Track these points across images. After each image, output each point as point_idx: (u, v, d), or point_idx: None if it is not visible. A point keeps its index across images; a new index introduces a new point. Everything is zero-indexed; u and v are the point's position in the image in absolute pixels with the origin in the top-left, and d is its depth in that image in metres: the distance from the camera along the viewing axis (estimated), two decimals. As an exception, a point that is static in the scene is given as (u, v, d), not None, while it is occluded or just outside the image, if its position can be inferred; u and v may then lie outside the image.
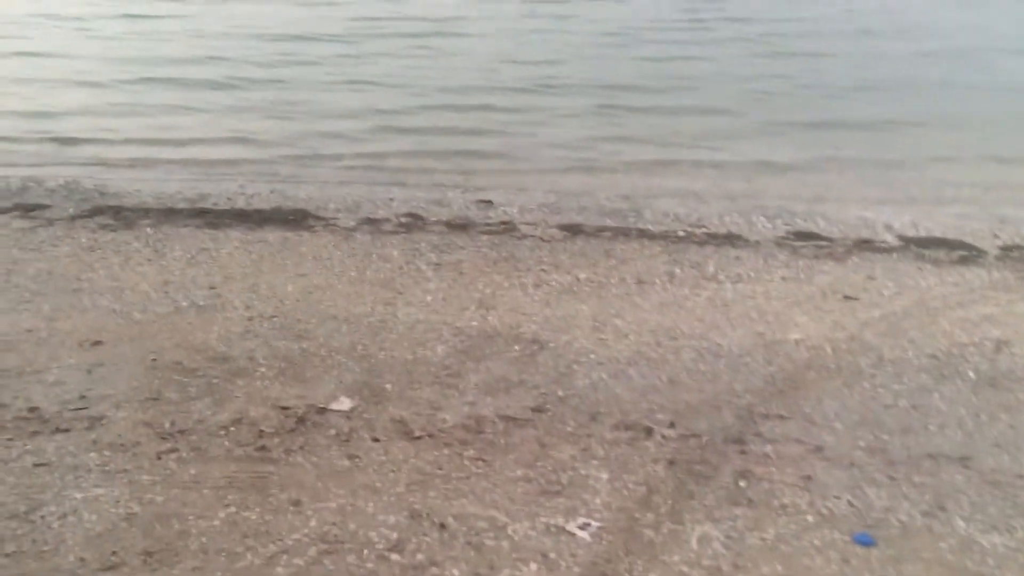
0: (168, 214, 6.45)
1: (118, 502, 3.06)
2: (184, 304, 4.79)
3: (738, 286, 5.13)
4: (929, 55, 12.40)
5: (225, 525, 2.95)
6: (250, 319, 4.59)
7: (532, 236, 6.02)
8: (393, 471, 3.26)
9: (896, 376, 4.02)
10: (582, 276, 5.27)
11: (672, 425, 3.58)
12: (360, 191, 7.15)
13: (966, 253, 5.71)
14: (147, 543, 2.86)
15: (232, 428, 3.53)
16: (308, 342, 4.32)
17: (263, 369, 4.04)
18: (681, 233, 6.10)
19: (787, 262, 5.54)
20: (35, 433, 3.49)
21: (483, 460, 3.33)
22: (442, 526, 2.95)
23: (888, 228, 6.19)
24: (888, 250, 5.77)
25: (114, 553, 2.81)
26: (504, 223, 6.30)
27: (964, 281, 5.21)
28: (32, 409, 3.66)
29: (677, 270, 5.37)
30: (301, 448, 3.40)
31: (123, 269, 5.33)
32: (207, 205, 6.71)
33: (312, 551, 2.83)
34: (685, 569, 2.77)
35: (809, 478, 3.24)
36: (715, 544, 2.88)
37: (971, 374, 4.05)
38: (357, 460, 3.33)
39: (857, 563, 2.81)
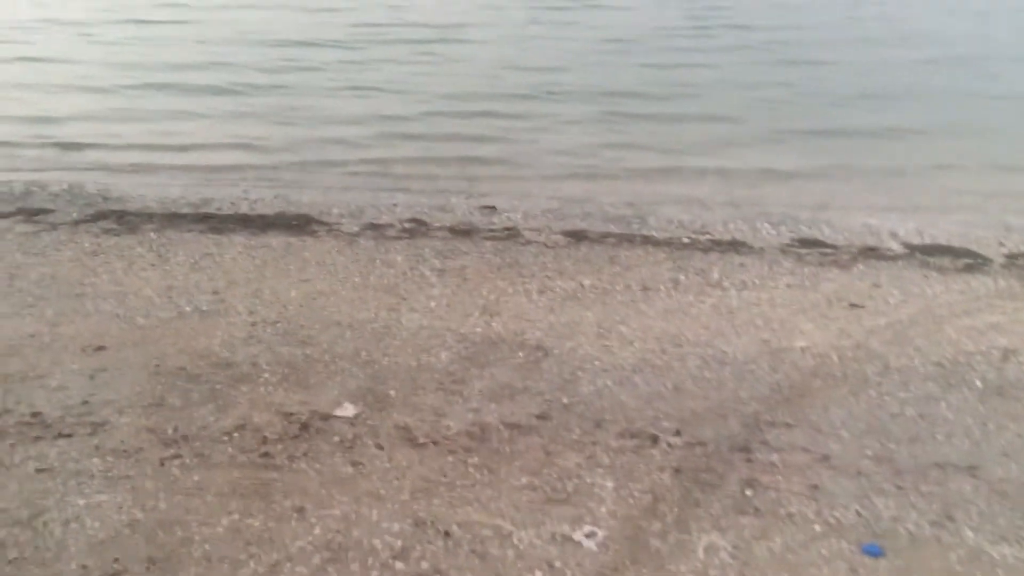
0: (171, 219, 6.45)
1: (121, 508, 3.04)
2: (187, 309, 4.78)
3: (743, 293, 5.11)
4: (931, 63, 12.41)
5: (228, 532, 2.94)
6: (253, 324, 4.58)
7: (536, 242, 6.01)
8: (397, 478, 3.24)
9: (903, 384, 4.00)
10: (586, 282, 5.25)
11: (678, 433, 3.56)
12: (364, 197, 7.16)
13: (971, 261, 5.69)
14: (150, 550, 2.84)
15: (235, 434, 3.52)
16: (312, 348, 4.31)
17: (266, 375, 4.03)
18: (685, 240, 6.09)
19: (792, 269, 5.52)
20: (38, 438, 3.47)
21: (488, 468, 3.31)
22: (447, 534, 2.93)
23: (893, 236, 6.18)
24: (893, 258, 5.75)
25: (117, 560, 2.80)
26: (508, 229, 6.29)
27: (970, 289, 5.19)
28: (35, 414, 3.65)
29: (682, 277, 5.35)
30: (305, 455, 3.38)
31: (126, 274, 5.32)
32: (211, 210, 6.72)
33: (316, 559, 2.81)
34: (692, 579, 2.75)
35: (816, 487, 3.21)
36: (722, 554, 2.86)
37: (978, 383, 4.02)
38: (361, 467, 3.31)
39: (865, 574, 2.79)
